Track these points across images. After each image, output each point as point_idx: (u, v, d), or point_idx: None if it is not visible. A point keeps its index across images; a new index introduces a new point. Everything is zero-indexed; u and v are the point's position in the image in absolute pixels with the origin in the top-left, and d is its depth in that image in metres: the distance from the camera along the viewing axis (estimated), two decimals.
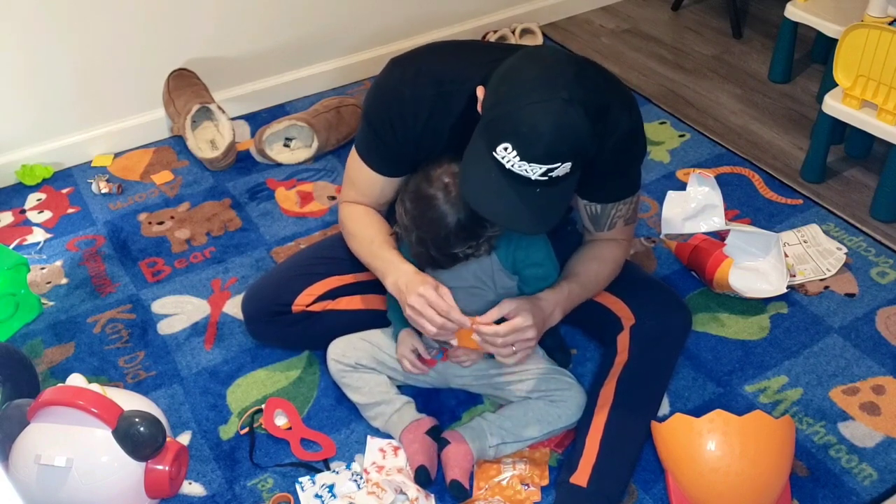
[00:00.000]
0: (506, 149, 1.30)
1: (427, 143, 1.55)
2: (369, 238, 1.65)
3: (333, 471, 1.61)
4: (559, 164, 1.30)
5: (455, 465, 1.54)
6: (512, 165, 1.31)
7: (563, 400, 1.60)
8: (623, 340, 1.65)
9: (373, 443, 1.65)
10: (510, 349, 1.51)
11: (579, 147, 1.31)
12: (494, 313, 1.49)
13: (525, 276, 1.59)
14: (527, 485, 1.57)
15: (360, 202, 1.70)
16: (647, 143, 1.63)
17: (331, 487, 1.57)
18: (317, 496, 1.56)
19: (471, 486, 1.56)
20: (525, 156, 1.30)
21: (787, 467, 1.50)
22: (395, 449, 1.62)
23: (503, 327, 1.48)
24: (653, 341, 1.63)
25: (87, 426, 1.47)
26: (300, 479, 1.60)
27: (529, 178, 1.32)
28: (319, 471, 1.61)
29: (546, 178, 1.32)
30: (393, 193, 1.67)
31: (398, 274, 1.56)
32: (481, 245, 1.50)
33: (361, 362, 1.68)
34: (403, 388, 1.71)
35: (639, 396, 1.60)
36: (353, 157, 1.68)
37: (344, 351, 1.70)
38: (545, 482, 1.57)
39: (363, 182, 1.67)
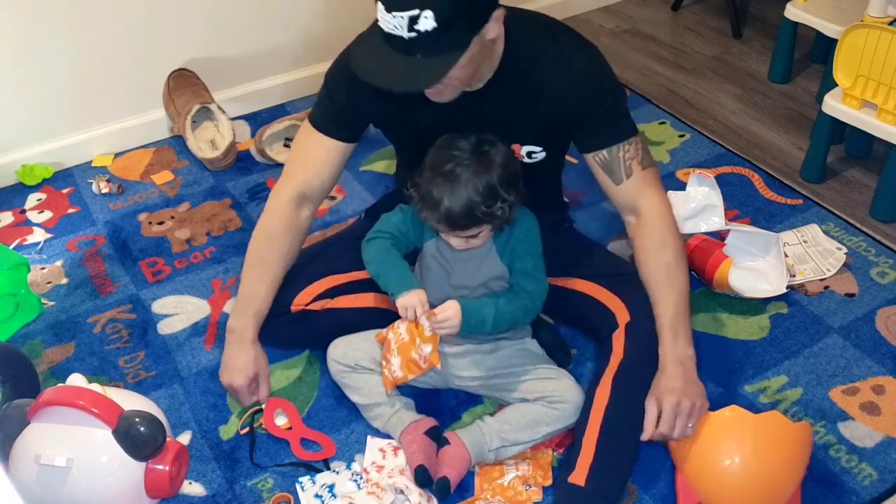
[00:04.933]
0: (377, 6, 1.37)
1: (383, 101, 1.57)
2: (263, 259, 1.71)
3: (333, 471, 1.61)
4: (415, 9, 1.33)
5: (450, 466, 1.54)
6: (384, 25, 1.37)
7: (561, 401, 1.60)
8: (618, 338, 1.65)
9: (373, 443, 1.65)
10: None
11: None
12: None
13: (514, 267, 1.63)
14: (529, 485, 1.57)
15: (297, 187, 1.71)
16: (636, 123, 1.66)
17: (331, 487, 1.57)
18: (317, 496, 1.56)
19: (471, 486, 1.56)
20: (385, 3, 1.35)
21: (800, 472, 1.49)
22: (395, 449, 1.62)
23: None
24: (648, 339, 1.63)
25: (88, 426, 1.47)
26: (300, 479, 1.60)
27: (404, 38, 1.36)
28: (319, 471, 1.61)
29: (415, 33, 1.35)
30: (338, 169, 1.72)
31: (231, 338, 1.69)
32: (499, 210, 1.51)
33: (361, 363, 1.68)
34: (403, 389, 1.71)
35: (634, 395, 1.59)
36: (302, 132, 1.72)
37: (344, 351, 1.70)
38: (548, 483, 1.57)
39: (311, 153, 1.70)
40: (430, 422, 1.63)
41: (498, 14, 1.43)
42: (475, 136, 1.52)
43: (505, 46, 1.54)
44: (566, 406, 1.59)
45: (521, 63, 1.56)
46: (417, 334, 1.56)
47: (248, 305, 1.69)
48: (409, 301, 1.56)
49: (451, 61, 1.39)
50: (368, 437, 1.66)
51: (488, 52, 1.50)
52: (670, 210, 1.66)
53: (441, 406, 1.72)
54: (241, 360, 1.68)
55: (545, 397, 1.60)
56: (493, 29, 1.44)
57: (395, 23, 1.35)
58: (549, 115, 1.59)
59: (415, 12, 1.33)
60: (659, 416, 1.52)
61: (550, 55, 1.57)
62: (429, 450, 1.57)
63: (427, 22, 1.34)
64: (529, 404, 1.61)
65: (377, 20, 1.39)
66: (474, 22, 1.39)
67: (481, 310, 1.57)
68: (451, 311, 1.54)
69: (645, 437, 1.52)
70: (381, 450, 1.63)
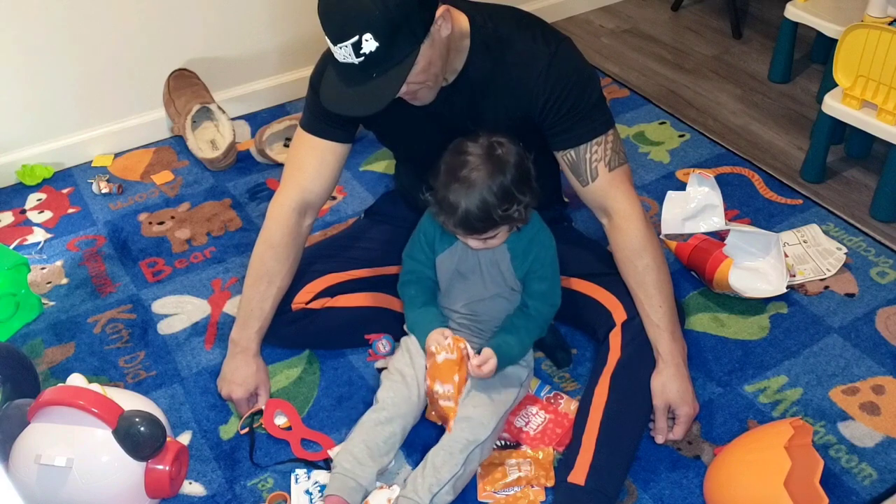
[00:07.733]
0: (327, 39, 1.40)
1: None
2: (270, 272, 1.69)
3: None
4: (355, 36, 1.35)
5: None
6: (338, 56, 1.40)
7: (463, 418, 1.53)
8: (615, 337, 1.65)
9: None
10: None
11: (363, 15, 1.34)
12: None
13: (529, 288, 1.62)
14: (532, 486, 1.56)
15: (297, 195, 1.69)
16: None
17: (322, 487, 1.56)
18: (307, 492, 1.56)
19: (474, 487, 1.56)
20: (330, 38, 1.39)
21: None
22: None
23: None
24: (644, 337, 1.63)
25: (88, 426, 1.47)
26: (296, 471, 1.60)
27: (355, 64, 1.38)
28: (319, 467, 1.61)
29: (363, 57, 1.37)
30: (336, 173, 1.70)
31: (234, 350, 1.71)
32: (516, 212, 1.49)
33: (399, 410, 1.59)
34: None
35: (632, 393, 1.59)
36: (295, 140, 1.72)
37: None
38: (551, 483, 1.57)
39: (307, 158, 1.69)
40: None
41: (441, 11, 1.42)
42: (485, 139, 1.50)
43: (471, 40, 1.54)
44: (466, 422, 1.53)
45: (488, 57, 1.56)
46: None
47: (252, 320, 1.70)
48: (432, 338, 1.56)
49: (404, 72, 1.40)
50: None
51: (448, 48, 1.49)
52: (640, 211, 1.65)
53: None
54: (242, 374, 1.69)
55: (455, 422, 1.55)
56: (445, 26, 1.44)
57: (343, 53, 1.38)
58: (514, 110, 1.59)
59: (355, 38, 1.35)
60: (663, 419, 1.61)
61: (511, 51, 1.56)
62: None
63: (369, 44, 1.36)
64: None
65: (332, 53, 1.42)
66: (417, 27, 1.39)
67: (511, 351, 1.58)
68: (491, 364, 1.53)
69: (660, 441, 1.62)
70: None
